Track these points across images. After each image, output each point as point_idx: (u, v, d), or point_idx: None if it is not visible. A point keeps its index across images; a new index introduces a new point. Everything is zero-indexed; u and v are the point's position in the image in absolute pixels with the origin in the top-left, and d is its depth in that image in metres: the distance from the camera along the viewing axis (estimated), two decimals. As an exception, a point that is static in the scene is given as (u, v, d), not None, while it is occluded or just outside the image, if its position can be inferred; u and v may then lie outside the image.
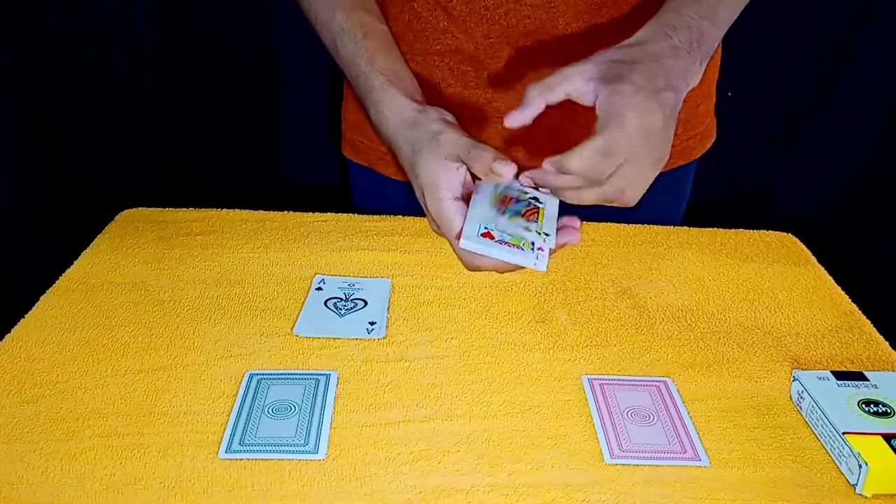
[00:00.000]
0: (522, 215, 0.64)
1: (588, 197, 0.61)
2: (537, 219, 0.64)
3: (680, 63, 0.63)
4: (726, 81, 0.76)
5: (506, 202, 0.65)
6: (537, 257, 0.62)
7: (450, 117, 0.69)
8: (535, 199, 0.65)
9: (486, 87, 0.80)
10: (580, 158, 0.59)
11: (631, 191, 0.61)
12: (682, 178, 0.93)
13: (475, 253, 0.62)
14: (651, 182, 0.62)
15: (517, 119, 0.63)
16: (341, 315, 0.70)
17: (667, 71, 0.62)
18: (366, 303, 0.72)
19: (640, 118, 0.59)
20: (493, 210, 0.64)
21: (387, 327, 0.69)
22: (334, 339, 0.67)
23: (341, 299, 0.73)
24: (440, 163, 0.64)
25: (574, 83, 0.62)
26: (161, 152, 1.29)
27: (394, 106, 0.71)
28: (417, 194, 0.67)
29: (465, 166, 0.64)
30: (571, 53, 0.77)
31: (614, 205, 0.62)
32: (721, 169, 1.12)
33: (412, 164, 0.67)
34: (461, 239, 0.61)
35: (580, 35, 0.77)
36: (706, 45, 0.65)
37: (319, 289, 0.74)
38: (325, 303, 0.72)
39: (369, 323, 0.70)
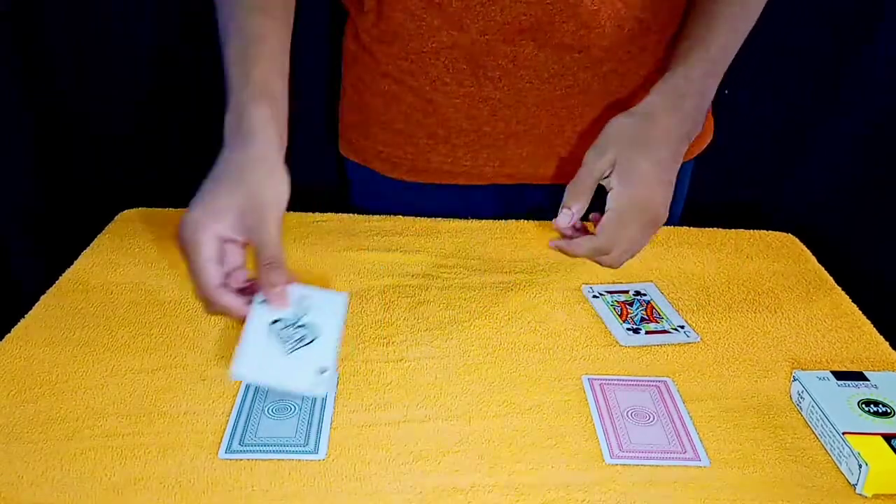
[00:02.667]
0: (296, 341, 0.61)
1: (581, 249, 0.69)
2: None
3: (688, 129, 0.70)
4: (725, 80, 0.76)
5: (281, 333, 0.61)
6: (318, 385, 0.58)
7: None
8: (304, 326, 0.62)
9: (482, 85, 0.80)
10: (580, 249, 0.69)
11: (617, 255, 0.69)
12: (680, 178, 0.93)
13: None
14: (648, 240, 0.70)
15: (566, 220, 0.69)
16: (288, 351, 0.59)
17: (676, 147, 0.69)
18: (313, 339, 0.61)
19: (641, 214, 0.68)
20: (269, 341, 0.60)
21: (337, 376, 0.63)
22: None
23: (291, 325, 0.61)
24: (254, 218, 0.60)
25: (598, 171, 0.68)
26: (161, 152, 1.29)
27: (264, 135, 0.65)
28: (192, 210, 0.61)
29: (242, 252, 0.62)
30: (567, 50, 0.78)
31: (615, 256, 0.69)
32: (721, 168, 1.12)
33: (220, 178, 0.62)
34: (234, 366, 0.57)
35: (576, 33, 0.77)
36: (706, 100, 0.73)
37: (265, 301, 0.61)
38: (270, 325, 0.61)
39: (320, 369, 0.59)
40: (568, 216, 0.68)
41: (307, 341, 0.60)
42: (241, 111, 0.65)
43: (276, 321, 0.61)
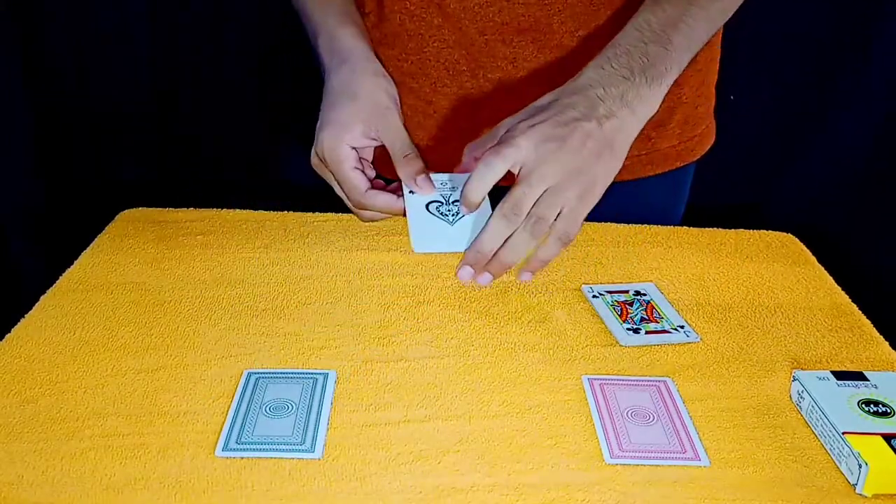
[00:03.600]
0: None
1: (520, 244, 0.63)
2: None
3: (612, 90, 0.63)
4: (727, 83, 0.76)
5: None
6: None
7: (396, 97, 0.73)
8: (457, 202, 0.69)
9: (482, 87, 0.80)
10: (549, 251, 0.64)
11: (561, 223, 0.63)
12: (681, 180, 0.93)
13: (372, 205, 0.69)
14: (584, 214, 0.63)
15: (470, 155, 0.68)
16: (451, 223, 0.67)
17: (591, 101, 0.63)
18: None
19: (537, 145, 0.61)
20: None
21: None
22: (336, 333, 0.67)
23: (442, 202, 0.69)
24: (377, 121, 0.69)
25: (497, 130, 0.65)
26: (161, 152, 1.29)
27: (340, 37, 0.73)
28: (319, 122, 0.70)
29: (375, 144, 0.70)
30: (566, 51, 0.78)
31: (552, 242, 0.64)
32: (721, 170, 1.12)
33: (341, 94, 0.71)
34: (413, 243, 0.66)
35: (575, 33, 0.77)
36: (656, 69, 0.65)
37: (412, 192, 0.69)
38: (427, 207, 0.68)
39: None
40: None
41: (463, 213, 0.67)
42: (332, 36, 0.74)
43: (430, 203, 0.69)
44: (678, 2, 0.68)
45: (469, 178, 0.64)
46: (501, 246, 0.63)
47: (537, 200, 0.62)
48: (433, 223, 0.68)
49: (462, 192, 0.65)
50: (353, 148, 0.70)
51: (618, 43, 0.66)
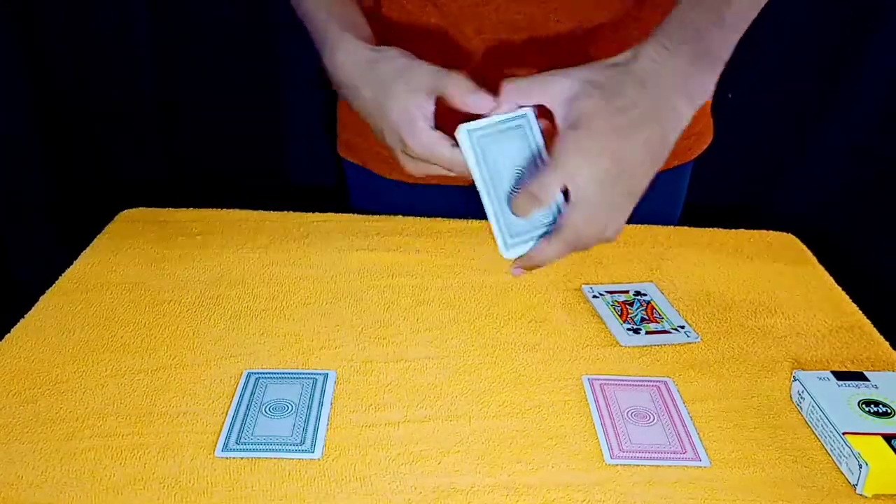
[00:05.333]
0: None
1: (552, 251, 0.60)
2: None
3: (681, 82, 0.59)
4: (725, 81, 0.76)
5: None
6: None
7: (409, 53, 0.67)
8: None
9: (478, 84, 0.80)
10: (546, 254, 0.60)
11: (603, 230, 0.59)
12: (679, 179, 0.93)
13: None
14: (628, 213, 0.59)
15: (482, 103, 0.62)
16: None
17: (657, 98, 0.58)
18: None
19: (592, 174, 0.57)
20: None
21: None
22: (336, 333, 0.67)
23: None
24: (413, 95, 0.63)
25: (550, 95, 0.60)
26: (161, 152, 1.29)
27: (348, 49, 0.68)
28: (389, 137, 0.64)
29: (433, 98, 0.63)
30: (564, 50, 0.78)
31: (593, 244, 0.60)
32: (721, 169, 1.12)
33: (379, 104, 0.65)
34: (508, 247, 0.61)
35: (572, 32, 0.77)
36: (713, 55, 0.60)
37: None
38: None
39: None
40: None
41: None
42: (334, 45, 0.69)
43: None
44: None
45: (520, 197, 0.59)
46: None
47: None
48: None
49: (513, 203, 0.60)
50: (431, 126, 0.64)
51: (681, 19, 0.61)
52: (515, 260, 0.62)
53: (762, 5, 0.66)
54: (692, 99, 0.59)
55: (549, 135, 0.61)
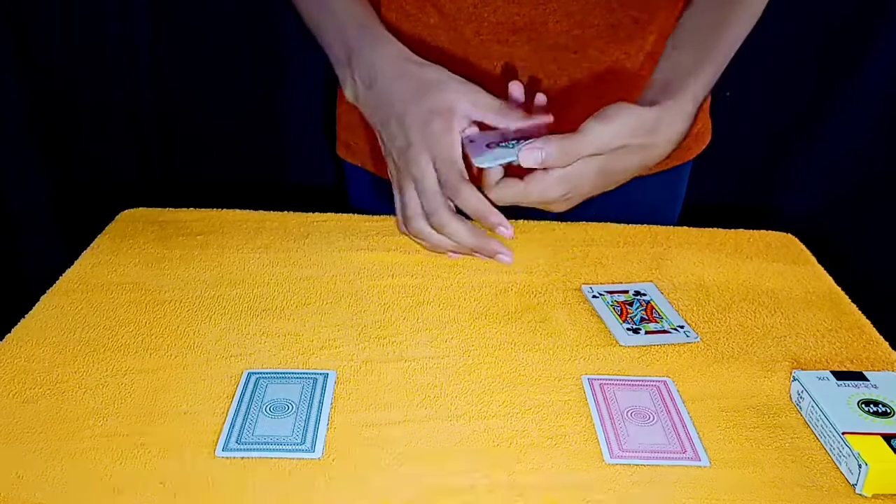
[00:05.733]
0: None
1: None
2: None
3: (672, 135, 0.65)
4: (724, 81, 0.76)
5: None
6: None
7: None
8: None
9: (478, 85, 0.80)
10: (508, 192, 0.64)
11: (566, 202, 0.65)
12: (678, 179, 0.93)
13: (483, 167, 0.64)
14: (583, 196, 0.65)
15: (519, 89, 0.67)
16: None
17: (646, 156, 0.64)
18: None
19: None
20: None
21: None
22: (336, 333, 0.67)
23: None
24: (471, 96, 0.65)
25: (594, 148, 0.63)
26: (161, 152, 1.29)
27: (386, 44, 0.69)
28: (414, 130, 0.64)
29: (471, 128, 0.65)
30: (562, 50, 0.78)
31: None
32: (719, 169, 1.12)
33: (421, 91, 0.65)
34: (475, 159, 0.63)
35: (571, 33, 0.77)
36: (704, 93, 0.68)
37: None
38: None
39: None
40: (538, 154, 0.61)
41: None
42: (370, 45, 0.69)
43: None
44: (734, 32, 0.71)
45: (518, 188, 0.64)
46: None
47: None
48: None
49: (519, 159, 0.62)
50: (461, 131, 0.66)
51: (696, 72, 0.67)
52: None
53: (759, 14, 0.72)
54: (676, 143, 0.66)
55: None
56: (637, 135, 0.62)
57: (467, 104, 0.65)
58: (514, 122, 0.65)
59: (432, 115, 0.64)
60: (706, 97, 0.69)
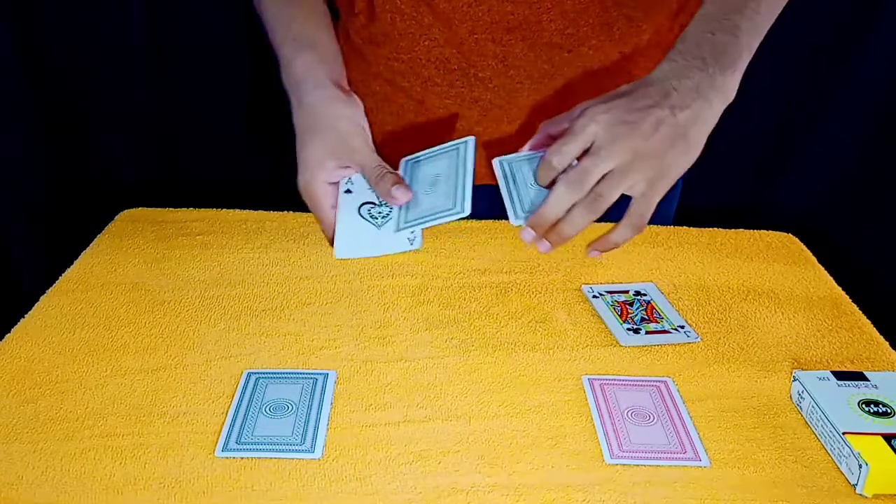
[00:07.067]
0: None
1: (578, 217, 0.63)
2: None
3: (687, 82, 0.62)
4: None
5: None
6: (412, 241, 0.70)
7: (362, 120, 0.75)
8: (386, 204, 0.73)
9: (472, 86, 0.80)
10: (622, 236, 0.65)
11: (633, 207, 0.63)
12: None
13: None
14: (656, 200, 0.63)
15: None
16: (378, 226, 0.71)
17: (665, 91, 0.62)
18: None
19: (609, 127, 0.61)
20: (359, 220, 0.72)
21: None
22: (336, 333, 0.67)
23: (375, 204, 0.72)
24: (343, 152, 0.72)
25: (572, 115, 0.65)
26: (161, 153, 1.29)
27: (298, 67, 0.75)
28: (297, 157, 0.73)
29: (351, 172, 0.73)
30: (556, 49, 0.78)
31: (624, 226, 0.65)
32: (717, 167, 1.12)
33: (306, 131, 0.73)
34: (336, 249, 0.71)
35: (565, 32, 0.77)
36: (728, 57, 0.64)
37: (348, 191, 0.73)
38: (359, 210, 0.72)
39: (409, 233, 0.69)
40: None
41: (392, 216, 0.71)
42: (288, 66, 0.76)
43: (363, 204, 0.72)
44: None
45: (542, 158, 0.64)
46: (563, 218, 0.63)
47: (603, 178, 0.62)
48: (360, 227, 0.71)
49: (536, 171, 0.65)
50: (331, 183, 0.73)
51: (686, 37, 0.66)
52: (590, 246, 0.68)
53: (780, 10, 0.69)
54: (707, 97, 0.63)
55: None
56: (638, 86, 0.63)
57: (343, 160, 0.73)
58: (382, 186, 0.70)
59: (301, 164, 0.74)
60: (735, 46, 0.65)
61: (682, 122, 0.62)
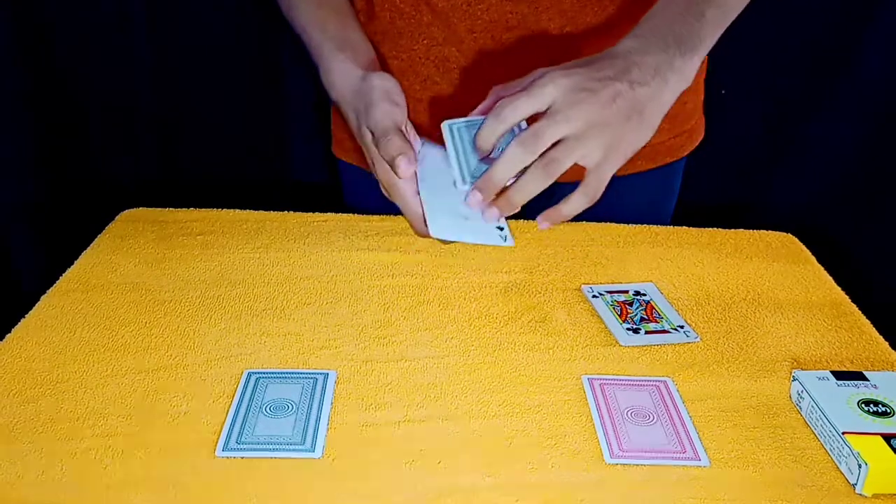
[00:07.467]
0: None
1: (530, 182, 0.61)
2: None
3: (648, 59, 0.62)
4: (718, 78, 0.76)
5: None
6: (504, 238, 0.65)
7: (392, 88, 0.69)
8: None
9: (471, 82, 0.80)
10: (571, 207, 0.62)
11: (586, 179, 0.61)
12: (671, 176, 0.93)
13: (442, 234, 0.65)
14: (610, 172, 0.62)
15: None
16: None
17: (625, 65, 0.61)
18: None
19: (567, 92, 0.60)
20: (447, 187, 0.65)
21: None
22: (336, 333, 0.67)
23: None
24: (393, 107, 0.66)
25: (530, 79, 0.63)
26: (161, 153, 1.29)
27: (341, 72, 0.72)
28: (366, 137, 0.67)
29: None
30: (555, 48, 0.78)
31: (577, 196, 0.62)
32: (713, 167, 1.12)
33: (358, 127, 0.69)
34: (430, 227, 0.64)
35: (564, 31, 0.77)
36: (689, 43, 0.64)
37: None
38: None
39: (498, 228, 0.65)
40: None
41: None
42: (328, 67, 0.73)
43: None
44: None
45: (487, 118, 0.62)
46: (513, 184, 0.62)
47: (558, 143, 0.60)
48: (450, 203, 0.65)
49: (477, 133, 0.62)
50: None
51: (652, 16, 0.65)
52: (541, 216, 0.64)
53: (746, 4, 0.68)
54: (665, 77, 0.62)
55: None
56: (600, 58, 0.62)
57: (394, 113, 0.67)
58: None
59: (371, 93, 0.67)
60: (698, 32, 0.65)
61: (639, 98, 0.61)
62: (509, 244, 0.65)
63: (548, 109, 0.60)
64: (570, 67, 0.62)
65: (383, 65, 0.82)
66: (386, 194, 0.69)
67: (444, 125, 0.65)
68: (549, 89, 0.60)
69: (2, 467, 0.53)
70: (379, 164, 0.66)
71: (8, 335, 0.67)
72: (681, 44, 0.63)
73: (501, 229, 0.65)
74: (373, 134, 0.66)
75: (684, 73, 0.63)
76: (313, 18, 0.77)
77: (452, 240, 0.65)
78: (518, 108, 0.60)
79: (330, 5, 0.78)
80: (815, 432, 0.58)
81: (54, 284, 0.74)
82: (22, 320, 0.69)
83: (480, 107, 0.66)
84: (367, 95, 0.68)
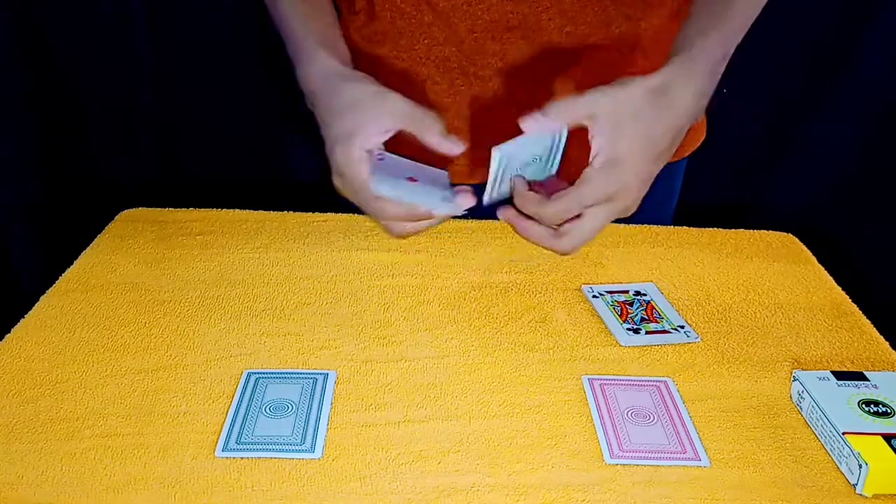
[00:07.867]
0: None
1: (537, 236, 0.64)
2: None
3: (696, 110, 0.64)
4: (720, 79, 0.76)
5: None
6: (448, 198, 0.65)
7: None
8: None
9: (472, 84, 0.80)
10: (532, 232, 0.64)
11: (574, 243, 0.64)
12: (672, 176, 0.93)
13: (385, 197, 0.64)
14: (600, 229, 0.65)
15: (452, 148, 0.66)
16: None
17: (678, 131, 0.64)
18: None
19: (614, 203, 0.64)
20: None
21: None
22: (336, 333, 0.67)
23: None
24: (379, 118, 0.66)
25: (582, 112, 0.64)
26: (161, 153, 1.29)
27: (322, 63, 0.72)
28: (327, 147, 0.67)
29: (395, 130, 0.66)
30: (556, 47, 0.78)
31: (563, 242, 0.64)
32: (714, 167, 1.12)
33: (339, 112, 0.67)
34: (372, 182, 0.64)
35: (565, 31, 0.77)
36: (720, 62, 0.67)
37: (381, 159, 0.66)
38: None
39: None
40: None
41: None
42: (308, 65, 0.72)
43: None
44: (743, 8, 0.69)
45: (540, 208, 0.63)
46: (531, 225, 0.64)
47: (576, 219, 0.63)
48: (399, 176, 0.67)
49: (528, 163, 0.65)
50: (368, 151, 0.67)
51: (703, 46, 0.66)
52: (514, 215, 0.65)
53: (760, 8, 0.70)
54: (700, 104, 0.66)
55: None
56: (648, 98, 0.63)
57: (381, 119, 0.66)
58: (428, 134, 0.66)
59: (335, 143, 0.66)
60: (725, 59, 0.68)
61: (679, 125, 0.64)
62: (452, 211, 0.65)
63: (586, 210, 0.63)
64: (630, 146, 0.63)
65: (384, 65, 0.82)
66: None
67: (495, 151, 0.65)
68: (594, 212, 0.63)
69: (2, 467, 0.53)
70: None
71: (8, 335, 0.67)
72: (714, 76, 0.66)
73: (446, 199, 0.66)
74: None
75: (708, 95, 0.67)
76: (297, 12, 0.77)
77: (389, 195, 0.65)
78: (554, 218, 0.63)
79: (313, 2, 0.78)
80: (816, 432, 0.58)
81: (54, 284, 0.74)
82: (22, 320, 0.69)
83: (530, 124, 0.67)
84: (369, 85, 0.68)
